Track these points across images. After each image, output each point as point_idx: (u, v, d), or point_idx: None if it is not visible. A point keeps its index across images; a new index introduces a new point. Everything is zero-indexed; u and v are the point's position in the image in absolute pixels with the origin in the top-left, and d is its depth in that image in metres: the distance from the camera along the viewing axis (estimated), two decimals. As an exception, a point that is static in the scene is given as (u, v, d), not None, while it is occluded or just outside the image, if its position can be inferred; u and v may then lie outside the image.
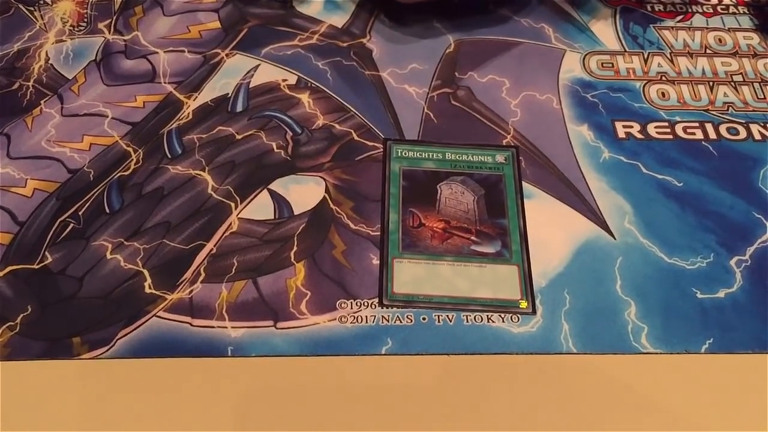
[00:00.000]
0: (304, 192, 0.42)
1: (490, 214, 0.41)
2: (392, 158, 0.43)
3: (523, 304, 0.37)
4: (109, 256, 0.39)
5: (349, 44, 0.50)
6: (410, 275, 0.38)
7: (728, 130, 0.45)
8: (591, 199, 0.42)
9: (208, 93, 0.46)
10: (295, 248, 0.39)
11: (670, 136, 0.45)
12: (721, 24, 0.52)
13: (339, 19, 0.51)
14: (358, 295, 0.38)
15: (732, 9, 0.53)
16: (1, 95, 0.46)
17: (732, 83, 0.48)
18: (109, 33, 0.50)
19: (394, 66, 0.48)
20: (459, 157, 0.43)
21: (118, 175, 0.42)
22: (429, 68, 0.48)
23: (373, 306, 0.37)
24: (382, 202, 0.41)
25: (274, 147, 0.44)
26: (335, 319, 0.37)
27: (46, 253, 0.39)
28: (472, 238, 0.40)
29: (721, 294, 0.38)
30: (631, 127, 0.45)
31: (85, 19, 0.50)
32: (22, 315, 0.37)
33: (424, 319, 0.37)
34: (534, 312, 0.37)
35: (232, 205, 0.41)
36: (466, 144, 0.44)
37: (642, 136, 0.45)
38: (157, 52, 0.48)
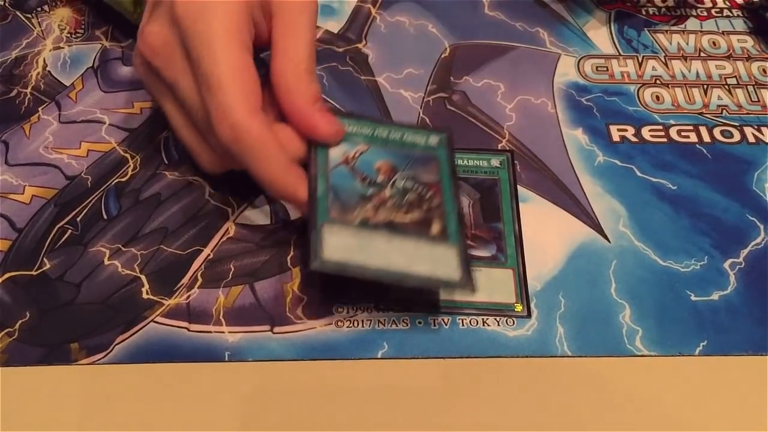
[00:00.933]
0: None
1: (485, 218, 0.41)
2: None
3: (518, 308, 0.38)
4: (106, 262, 0.39)
5: (344, 49, 0.50)
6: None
7: (722, 133, 0.46)
8: (585, 202, 0.42)
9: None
10: (291, 253, 0.40)
11: (665, 140, 0.45)
12: (716, 27, 0.52)
13: (335, 24, 0.51)
14: (354, 299, 0.38)
15: (726, 12, 0.53)
16: (-1, 102, 0.47)
17: (726, 86, 0.48)
18: (107, 40, 0.50)
19: (390, 71, 0.48)
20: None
21: (116, 181, 0.42)
22: (424, 73, 0.49)
23: (369, 310, 0.38)
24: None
25: (271, 152, 0.44)
26: (332, 324, 0.37)
27: (44, 259, 0.39)
28: (468, 242, 0.40)
29: (715, 296, 0.38)
30: (626, 130, 0.46)
31: (83, 26, 0.51)
32: (20, 321, 0.37)
33: (419, 323, 0.37)
34: (529, 315, 0.37)
35: (229, 210, 0.41)
36: (460, 148, 0.44)
37: (636, 140, 0.45)
38: (154, 59, 0.49)
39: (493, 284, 0.38)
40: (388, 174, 0.39)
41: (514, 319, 0.37)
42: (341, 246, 0.35)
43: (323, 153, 0.38)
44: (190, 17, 0.35)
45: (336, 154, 0.38)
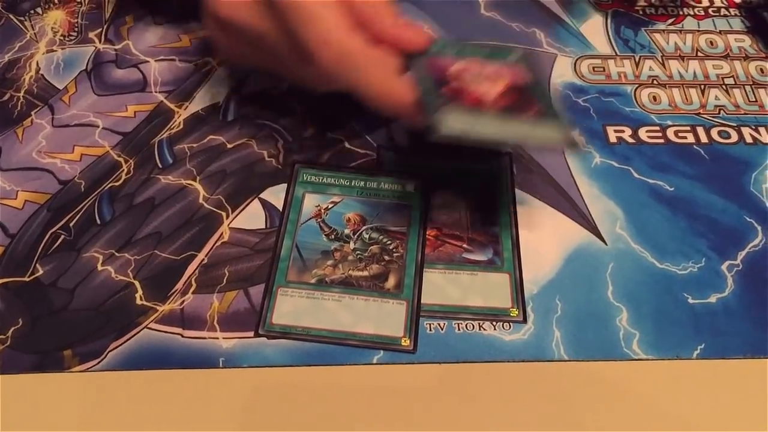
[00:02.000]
0: (295, 201, 0.42)
1: (482, 221, 0.41)
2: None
3: (514, 313, 0.37)
4: (100, 268, 0.39)
5: (340, 51, 0.49)
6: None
7: (719, 133, 0.45)
8: (582, 204, 0.42)
9: (199, 102, 0.46)
10: (286, 258, 0.39)
11: (662, 141, 0.45)
12: (713, 26, 0.52)
13: (330, 26, 0.51)
14: (349, 304, 0.38)
15: (723, 11, 0.53)
16: (-9, 106, 0.46)
17: (723, 86, 0.48)
18: (100, 42, 0.50)
19: (385, 72, 0.48)
20: (451, 164, 0.43)
21: (109, 185, 0.42)
22: (420, 74, 0.48)
23: (365, 315, 0.37)
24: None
25: (266, 155, 0.44)
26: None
27: (37, 265, 0.39)
28: (464, 245, 0.40)
29: (712, 299, 0.38)
30: (623, 131, 0.45)
31: (76, 29, 0.50)
32: (13, 328, 0.37)
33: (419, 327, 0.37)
34: (525, 320, 0.37)
35: (224, 214, 0.41)
36: (459, 151, 0.44)
37: (633, 141, 0.45)
38: (148, 62, 0.48)
39: (489, 289, 0.38)
40: (356, 226, 0.40)
41: (510, 323, 0.37)
42: (290, 310, 0.37)
43: (295, 209, 0.40)
44: None
45: (309, 207, 0.40)
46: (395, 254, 0.39)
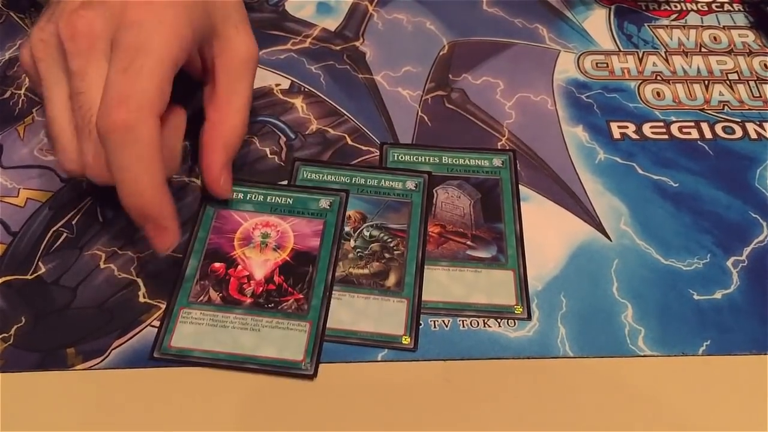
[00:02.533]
0: (298, 198, 0.41)
1: (486, 218, 0.41)
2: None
3: (519, 310, 0.37)
4: (102, 266, 0.39)
5: (342, 47, 0.49)
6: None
7: (724, 129, 0.45)
8: (586, 200, 0.42)
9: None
10: (289, 255, 0.39)
11: (666, 136, 0.45)
12: (716, 22, 0.52)
13: (332, 22, 0.51)
14: (353, 301, 0.37)
15: (727, 6, 0.53)
16: (-8, 104, 0.46)
17: (727, 81, 0.48)
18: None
19: (388, 69, 0.48)
20: (455, 161, 0.43)
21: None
22: (423, 71, 0.48)
23: (369, 312, 0.37)
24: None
25: (268, 153, 0.44)
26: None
27: (40, 263, 0.39)
28: (468, 242, 0.40)
29: (718, 295, 0.38)
30: (627, 127, 0.45)
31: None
32: (16, 326, 0.37)
33: (420, 325, 0.37)
34: (529, 318, 0.37)
35: (226, 212, 0.41)
36: (462, 147, 0.44)
37: (637, 137, 0.45)
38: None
39: (494, 286, 0.38)
40: (356, 223, 0.40)
41: (515, 320, 0.37)
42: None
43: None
44: (141, 15, 0.34)
45: None
46: (396, 252, 0.39)
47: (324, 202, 0.41)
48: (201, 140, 0.38)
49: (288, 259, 0.38)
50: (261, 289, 0.37)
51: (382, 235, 0.40)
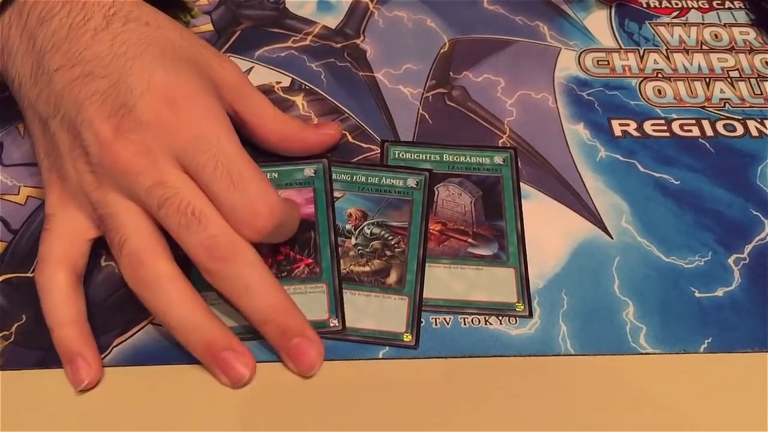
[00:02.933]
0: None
1: (487, 216, 0.41)
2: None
3: (520, 308, 0.37)
4: (103, 264, 0.39)
5: (342, 45, 0.49)
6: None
7: (725, 126, 0.45)
8: (588, 198, 0.42)
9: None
10: (290, 252, 0.39)
11: (667, 134, 0.45)
12: (717, 19, 0.52)
13: (332, 20, 0.51)
14: (354, 299, 0.38)
15: (728, 4, 0.53)
16: (-7, 102, 0.46)
17: (728, 79, 0.48)
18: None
19: (389, 67, 0.48)
20: (456, 158, 0.43)
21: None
22: (423, 68, 0.48)
23: (370, 310, 0.37)
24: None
25: (269, 150, 0.43)
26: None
27: (41, 261, 0.39)
28: (469, 240, 0.40)
29: (719, 293, 0.38)
30: (628, 125, 0.45)
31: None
32: (17, 324, 0.37)
33: (421, 322, 0.37)
34: (530, 315, 0.37)
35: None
36: (463, 145, 0.44)
37: (638, 134, 0.45)
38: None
39: (495, 284, 0.38)
40: (357, 221, 0.40)
41: (516, 318, 0.37)
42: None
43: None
44: (195, 129, 0.35)
45: None
46: (397, 250, 0.39)
47: (309, 171, 0.41)
48: (271, 143, 0.41)
49: None
50: (270, 260, 0.38)
51: (383, 232, 0.39)
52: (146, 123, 0.34)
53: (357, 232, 0.40)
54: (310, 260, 0.38)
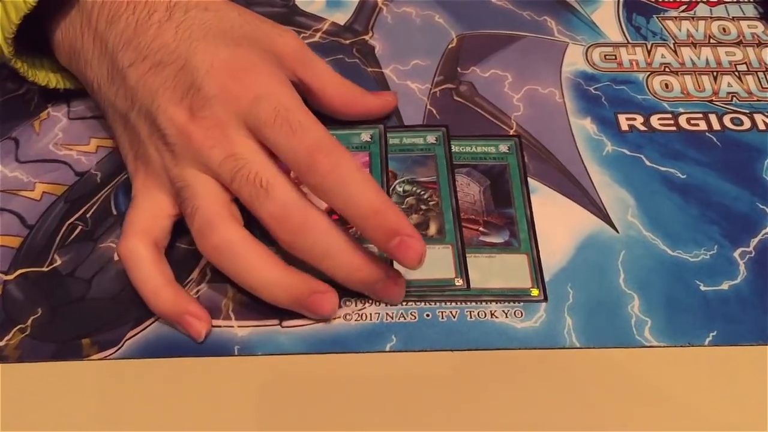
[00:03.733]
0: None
1: (496, 204, 0.41)
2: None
3: (535, 292, 0.38)
4: (116, 258, 0.39)
5: (351, 41, 0.50)
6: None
7: (732, 120, 0.45)
8: (594, 192, 0.42)
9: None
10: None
11: (674, 128, 0.45)
12: (725, 13, 0.52)
13: (341, 16, 0.51)
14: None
15: (736, -3, 0.53)
16: (8, 99, 0.47)
17: (736, 73, 0.48)
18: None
19: (397, 62, 0.48)
20: (462, 148, 0.43)
21: (125, 176, 0.42)
22: (431, 64, 0.48)
23: (378, 303, 0.38)
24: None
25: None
26: (340, 317, 0.37)
27: (55, 255, 0.40)
28: (480, 229, 0.40)
29: (725, 286, 0.38)
30: (635, 119, 0.45)
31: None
32: (32, 317, 0.37)
33: (427, 315, 0.37)
34: (546, 299, 0.37)
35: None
36: (468, 135, 0.44)
37: (645, 129, 0.45)
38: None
39: (508, 270, 0.38)
40: (388, 182, 0.41)
41: (521, 311, 0.37)
42: None
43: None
44: (259, 86, 0.36)
45: None
46: (431, 203, 0.40)
47: (365, 135, 0.43)
48: (334, 108, 0.42)
49: None
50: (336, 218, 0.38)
51: (414, 188, 0.41)
52: (214, 97, 0.35)
53: (391, 191, 0.41)
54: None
